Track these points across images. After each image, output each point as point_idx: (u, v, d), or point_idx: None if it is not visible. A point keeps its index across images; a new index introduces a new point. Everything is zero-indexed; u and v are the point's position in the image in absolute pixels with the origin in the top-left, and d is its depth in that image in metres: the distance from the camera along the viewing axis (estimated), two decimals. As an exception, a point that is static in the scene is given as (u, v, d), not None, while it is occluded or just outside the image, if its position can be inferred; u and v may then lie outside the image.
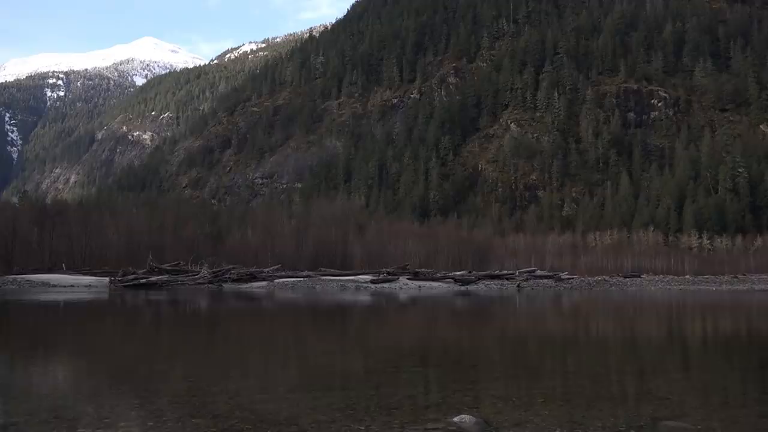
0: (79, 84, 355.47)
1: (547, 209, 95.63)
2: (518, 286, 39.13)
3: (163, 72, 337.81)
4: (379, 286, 35.84)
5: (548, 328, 12.37)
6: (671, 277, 64.69)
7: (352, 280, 37.33)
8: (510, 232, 79.98)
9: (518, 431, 3.89)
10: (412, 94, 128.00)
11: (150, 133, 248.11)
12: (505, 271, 45.93)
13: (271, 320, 15.30)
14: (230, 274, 35.76)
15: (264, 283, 35.46)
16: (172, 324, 13.96)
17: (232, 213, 71.16)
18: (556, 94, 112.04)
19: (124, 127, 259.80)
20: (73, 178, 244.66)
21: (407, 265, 43.00)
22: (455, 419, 4.05)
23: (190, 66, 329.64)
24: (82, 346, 9.21)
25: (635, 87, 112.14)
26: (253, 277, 36.22)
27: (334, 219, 57.79)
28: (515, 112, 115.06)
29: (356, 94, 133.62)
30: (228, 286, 33.38)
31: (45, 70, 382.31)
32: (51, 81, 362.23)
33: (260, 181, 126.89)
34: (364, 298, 25.76)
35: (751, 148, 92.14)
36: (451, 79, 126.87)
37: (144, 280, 31.73)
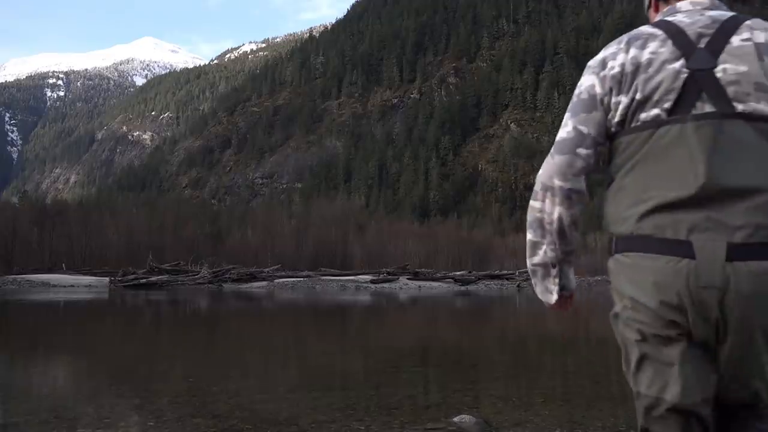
0: (79, 84, 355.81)
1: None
2: (518, 286, 39.13)
3: (163, 72, 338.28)
4: (379, 286, 35.85)
5: (548, 328, 12.37)
6: (671, 277, 64.71)
7: (352, 280, 37.34)
8: (510, 232, 79.79)
9: (518, 431, 3.89)
10: (412, 94, 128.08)
11: (150, 133, 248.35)
12: (505, 271, 45.97)
13: (271, 320, 15.30)
14: (230, 274, 35.78)
15: (264, 283, 35.47)
16: (172, 324, 13.97)
17: (232, 213, 71.17)
18: (556, 94, 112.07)
19: (124, 127, 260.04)
20: (73, 178, 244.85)
21: (407, 265, 43.00)
22: (455, 419, 4.05)
23: (190, 66, 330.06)
24: (82, 346, 9.21)
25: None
26: (253, 277, 36.23)
27: (334, 219, 57.81)
28: (515, 112, 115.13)
29: (356, 94, 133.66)
30: (228, 286, 33.39)
31: (45, 70, 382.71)
32: (51, 81, 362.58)
33: (260, 181, 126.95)
34: (364, 298, 25.77)
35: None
36: (451, 79, 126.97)
37: (144, 280, 31.74)
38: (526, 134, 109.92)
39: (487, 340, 10.72)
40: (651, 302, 1.30)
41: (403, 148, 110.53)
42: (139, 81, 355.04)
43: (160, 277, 32.95)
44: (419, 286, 37.09)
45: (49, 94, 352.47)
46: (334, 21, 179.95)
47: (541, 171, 1.49)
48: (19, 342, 9.42)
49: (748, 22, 1.36)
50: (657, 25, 1.42)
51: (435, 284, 39.12)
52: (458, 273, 43.43)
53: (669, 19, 1.42)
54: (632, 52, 1.39)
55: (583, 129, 1.43)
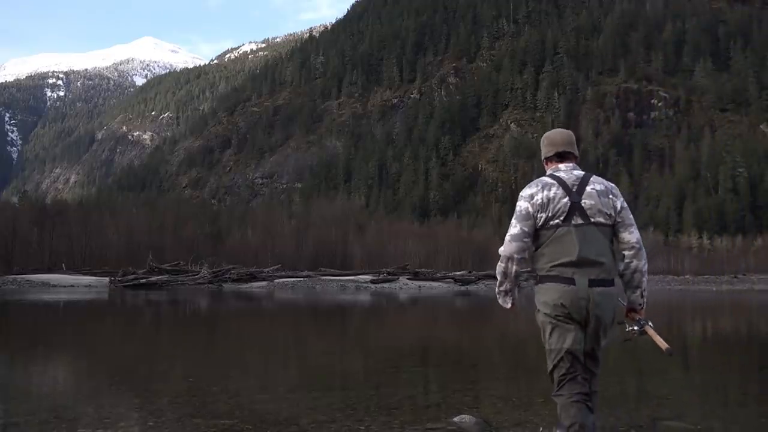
0: (79, 84, 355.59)
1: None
2: (518, 286, 39.10)
3: (163, 72, 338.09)
4: (379, 286, 35.87)
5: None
6: (671, 277, 64.69)
7: (352, 280, 37.37)
8: (510, 232, 79.79)
9: (518, 431, 3.89)
10: (412, 94, 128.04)
11: (150, 133, 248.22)
12: (505, 272, 45.83)
13: (271, 320, 15.30)
14: (230, 274, 35.78)
15: (264, 283, 35.49)
16: (172, 324, 13.97)
17: (232, 213, 71.16)
18: (556, 94, 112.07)
19: (124, 127, 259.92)
20: (73, 178, 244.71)
21: (407, 265, 43.01)
22: (455, 419, 4.06)
23: (190, 66, 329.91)
24: (82, 346, 9.22)
25: (635, 87, 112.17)
26: (253, 277, 36.23)
27: (334, 219, 57.82)
28: (515, 112, 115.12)
29: (356, 94, 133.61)
30: (228, 286, 33.40)
31: (45, 70, 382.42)
32: (51, 81, 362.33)
33: (260, 181, 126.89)
34: (364, 298, 25.78)
35: (751, 148, 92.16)
36: (451, 79, 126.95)
37: (144, 280, 31.75)
38: (526, 134, 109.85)
39: (487, 340, 10.72)
40: (556, 304, 2.86)
41: (403, 148, 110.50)
42: (139, 81, 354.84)
43: (160, 277, 32.96)
44: (419, 286, 37.11)
45: (49, 94, 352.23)
46: (334, 21, 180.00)
47: (505, 248, 2.98)
48: (19, 342, 9.42)
49: (592, 179, 2.97)
50: (552, 177, 2.99)
51: (435, 284, 39.13)
52: (458, 273, 43.43)
53: (557, 174, 3.00)
54: (545, 192, 2.92)
55: (525, 228, 2.94)
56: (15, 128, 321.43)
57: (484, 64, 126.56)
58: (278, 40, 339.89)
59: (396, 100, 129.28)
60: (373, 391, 5.28)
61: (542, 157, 3.14)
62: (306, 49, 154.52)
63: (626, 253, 2.95)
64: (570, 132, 3.14)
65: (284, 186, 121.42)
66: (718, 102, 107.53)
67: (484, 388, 5.50)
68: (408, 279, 39.48)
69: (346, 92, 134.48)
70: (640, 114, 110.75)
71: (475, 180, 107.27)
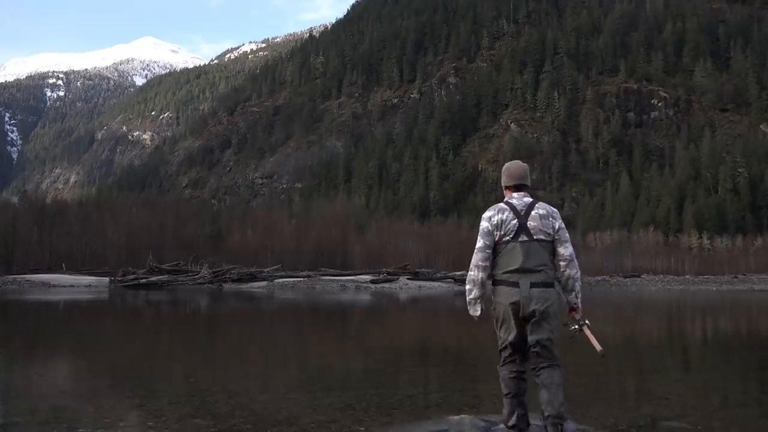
0: (79, 84, 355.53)
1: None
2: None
3: (163, 72, 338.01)
4: (379, 286, 35.86)
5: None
6: (671, 277, 64.68)
7: (352, 280, 37.34)
8: (510, 232, 79.57)
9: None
10: (412, 94, 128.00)
11: (150, 133, 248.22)
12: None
13: (271, 320, 15.30)
14: (230, 274, 35.77)
15: (264, 283, 35.48)
16: (172, 324, 13.97)
17: (232, 213, 71.07)
18: (556, 94, 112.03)
19: (124, 127, 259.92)
20: (73, 178, 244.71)
21: (407, 265, 42.97)
22: (455, 419, 4.06)
23: (190, 66, 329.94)
24: (82, 346, 9.21)
25: (635, 87, 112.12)
26: (253, 277, 36.23)
27: (334, 219, 57.78)
28: (515, 112, 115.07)
29: (356, 94, 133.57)
30: (228, 286, 33.39)
31: (45, 70, 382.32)
32: (51, 81, 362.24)
33: (260, 181, 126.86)
34: (364, 298, 25.78)
35: (751, 148, 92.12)
36: (451, 79, 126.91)
37: (144, 280, 31.76)
38: (526, 134, 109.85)
39: (486, 340, 10.72)
40: (506, 303, 3.53)
41: (403, 148, 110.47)
42: (139, 81, 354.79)
43: (160, 277, 32.95)
44: (419, 286, 37.10)
45: (49, 94, 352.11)
46: (334, 21, 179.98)
47: (473, 259, 3.62)
48: (19, 342, 9.42)
49: (537, 205, 3.66)
50: (506, 203, 3.70)
51: (435, 284, 39.11)
52: (458, 273, 43.33)
53: (510, 201, 3.70)
54: (499, 215, 3.62)
55: (487, 242, 3.62)
56: (15, 128, 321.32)
57: (484, 64, 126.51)
58: (278, 40, 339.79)
59: (396, 100, 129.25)
60: (373, 391, 5.28)
61: (502, 185, 3.86)
62: (306, 49, 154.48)
63: (561, 263, 3.68)
64: (526, 166, 3.86)
65: (284, 186, 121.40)
66: (718, 102, 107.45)
67: (484, 388, 5.50)
68: (408, 279, 39.45)
69: (346, 92, 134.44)
70: (640, 114, 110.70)
71: (475, 180, 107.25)
